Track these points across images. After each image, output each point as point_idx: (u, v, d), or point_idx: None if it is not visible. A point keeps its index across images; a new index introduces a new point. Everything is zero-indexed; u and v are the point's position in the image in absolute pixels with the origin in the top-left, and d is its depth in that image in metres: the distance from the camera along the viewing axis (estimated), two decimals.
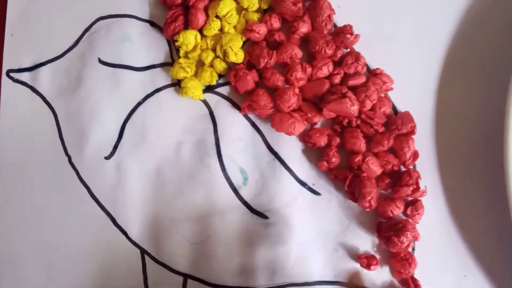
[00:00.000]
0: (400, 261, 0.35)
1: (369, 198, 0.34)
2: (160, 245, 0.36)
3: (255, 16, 0.37)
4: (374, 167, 0.35)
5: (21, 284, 0.36)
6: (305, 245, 0.36)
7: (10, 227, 0.37)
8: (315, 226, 0.36)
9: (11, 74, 0.38)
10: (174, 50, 0.38)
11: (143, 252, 0.36)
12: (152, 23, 0.38)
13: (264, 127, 0.37)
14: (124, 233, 0.36)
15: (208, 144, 0.37)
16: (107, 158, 0.37)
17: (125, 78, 0.37)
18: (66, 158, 0.37)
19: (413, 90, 0.37)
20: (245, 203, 0.36)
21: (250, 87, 0.36)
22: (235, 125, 0.37)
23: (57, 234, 0.36)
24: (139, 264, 0.36)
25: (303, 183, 0.36)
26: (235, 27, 0.37)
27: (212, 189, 0.36)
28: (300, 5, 0.36)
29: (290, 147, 0.37)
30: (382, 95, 0.37)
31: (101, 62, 0.38)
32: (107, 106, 0.37)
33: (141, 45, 0.38)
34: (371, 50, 0.37)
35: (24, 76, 0.38)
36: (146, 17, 0.38)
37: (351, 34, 0.36)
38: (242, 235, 0.36)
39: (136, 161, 0.37)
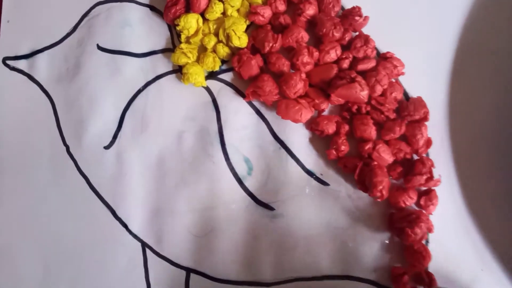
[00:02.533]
0: (413, 254, 0.33)
1: (380, 187, 0.32)
2: (161, 238, 0.35)
3: None
4: (386, 155, 0.33)
5: (20, 276, 0.35)
6: (313, 238, 0.34)
7: (7, 219, 0.36)
8: (323, 218, 0.35)
9: (8, 62, 0.37)
10: (175, 35, 0.37)
11: (144, 245, 0.35)
12: (152, 8, 0.37)
13: (269, 115, 0.36)
14: (125, 225, 0.35)
15: (211, 133, 0.35)
16: (106, 147, 0.36)
17: (125, 64, 0.36)
18: (64, 148, 0.36)
19: (425, 75, 0.36)
20: (250, 194, 0.35)
21: (255, 72, 0.35)
22: (239, 113, 0.36)
23: (55, 226, 0.35)
24: (140, 258, 0.35)
25: (310, 173, 0.35)
26: (238, 10, 0.36)
27: (215, 180, 0.35)
28: None
29: (297, 135, 0.35)
30: (393, 80, 0.35)
31: (100, 48, 0.36)
32: (106, 94, 0.36)
33: (141, 30, 0.37)
34: (381, 33, 0.35)
35: (21, 64, 0.37)
36: (146, 1, 0.37)
37: (360, 16, 0.35)
38: (247, 228, 0.35)
39: (137, 150, 0.36)
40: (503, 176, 0.34)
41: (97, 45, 0.36)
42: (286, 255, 0.34)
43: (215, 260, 0.34)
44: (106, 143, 0.36)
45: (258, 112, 0.36)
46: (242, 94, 0.36)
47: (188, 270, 0.34)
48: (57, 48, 0.37)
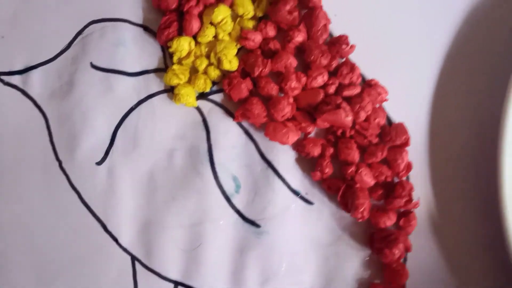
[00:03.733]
0: (391, 272, 0.35)
1: (361, 209, 0.34)
2: (151, 251, 0.36)
3: (250, 24, 0.36)
4: (368, 178, 0.35)
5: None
6: (297, 254, 0.36)
7: None
8: (307, 235, 0.36)
9: (2, 77, 0.37)
10: (167, 55, 0.37)
11: (133, 258, 0.36)
12: (146, 28, 0.38)
13: (258, 135, 0.37)
14: (115, 239, 0.36)
15: (201, 151, 0.36)
16: (98, 163, 0.36)
17: (118, 83, 0.37)
18: (57, 163, 0.36)
19: (408, 101, 0.37)
20: (237, 211, 0.36)
21: (244, 95, 0.36)
22: (228, 133, 0.37)
23: (46, 239, 0.36)
24: (130, 270, 0.36)
25: (296, 192, 0.36)
26: (229, 34, 0.37)
27: (204, 197, 0.36)
28: (295, 14, 0.36)
29: (284, 156, 0.37)
30: (377, 105, 0.37)
31: (94, 66, 0.37)
32: (99, 111, 0.37)
33: (135, 50, 0.37)
34: (366, 60, 0.37)
35: (15, 79, 0.37)
36: (140, 21, 0.38)
37: (347, 44, 0.36)
38: (234, 243, 0.36)
39: (128, 167, 0.36)
40: (478, 200, 0.36)
41: (91, 63, 0.37)
42: (271, 270, 0.35)
43: (203, 273, 0.35)
44: (98, 159, 0.36)
45: (247, 133, 0.37)
46: (232, 115, 0.37)
47: (176, 283, 0.36)
48: (51, 64, 0.37)
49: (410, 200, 0.35)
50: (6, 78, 0.37)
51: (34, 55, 0.37)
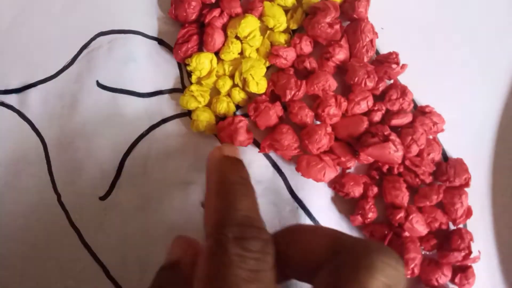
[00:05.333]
0: None
1: (412, 265, 0.29)
2: None
3: (282, 38, 0.31)
4: (419, 226, 0.29)
5: None
6: None
7: None
8: None
9: None
10: (185, 74, 0.33)
11: None
12: (160, 41, 0.33)
13: (287, 168, 0.32)
14: (119, 287, 0.31)
15: None
16: (102, 198, 0.32)
17: (127, 105, 0.32)
18: (55, 197, 0.32)
19: (467, 134, 0.32)
20: None
21: (273, 122, 0.31)
22: (252, 165, 0.32)
23: (43, 283, 0.31)
24: None
25: None
26: (257, 50, 0.32)
27: None
28: (337, 27, 0.31)
29: (317, 195, 0.32)
30: (430, 137, 0.31)
31: (100, 85, 0.32)
32: (105, 137, 0.32)
33: (147, 67, 0.33)
34: (419, 84, 0.32)
35: (10, 99, 0.33)
36: (154, 34, 0.33)
37: (397, 63, 0.30)
38: None
39: (137, 202, 0.32)
40: None
41: (97, 81, 0.32)
42: None
43: None
44: (102, 193, 0.32)
45: (274, 165, 0.32)
46: (258, 145, 0.32)
47: None
48: (51, 82, 0.33)
49: (469, 253, 0.29)
50: (1, 97, 0.33)
51: (33, 71, 0.33)
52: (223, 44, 0.31)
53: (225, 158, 0.26)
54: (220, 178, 0.25)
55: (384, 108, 0.31)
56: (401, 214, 0.29)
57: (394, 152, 0.29)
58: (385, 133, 0.29)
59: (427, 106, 0.31)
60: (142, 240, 0.31)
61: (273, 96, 0.31)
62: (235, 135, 0.30)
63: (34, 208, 0.32)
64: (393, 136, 0.29)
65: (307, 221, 0.31)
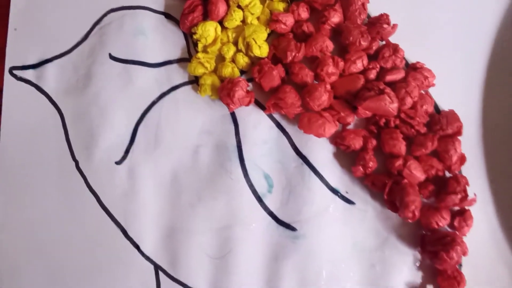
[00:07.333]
0: (447, 280, 0.31)
1: (412, 207, 0.30)
2: (176, 260, 0.33)
3: (280, 6, 0.34)
4: (417, 172, 0.31)
5: None
6: (338, 261, 0.32)
7: (12, 237, 0.33)
8: (349, 240, 0.32)
9: (15, 72, 0.35)
10: (191, 44, 0.35)
11: (157, 267, 0.33)
12: (167, 15, 0.35)
13: (291, 128, 0.34)
14: (136, 246, 0.33)
15: (229, 147, 0.33)
16: (118, 163, 0.33)
17: (138, 75, 0.34)
18: (74, 163, 0.34)
19: (457, 86, 0.34)
20: (270, 213, 0.33)
21: (276, 83, 0.33)
22: (258, 126, 0.34)
23: (62, 245, 0.33)
24: (153, 281, 0.33)
25: (335, 191, 0.33)
26: (258, 18, 0.34)
27: (233, 198, 0.33)
28: None
29: (320, 150, 0.33)
30: (423, 91, 0.33)
31: (112, 58, 0.34)
32: (119, 106, 0.34)
33: (156, 39, 0.35)
34: (409, 42, 0.34)
35: (28, 74, 0.35)
36: (161, 8, 0.36)
37: (388, 24, 0.33)
38: (267, 249, 0.32)
39: (150, 166, 0.34)
40: None
41: (109, 54, 0.35)
42: (309, 279, 0.32)
43: (233, 283, 0.32)
44: (118, 158, 0.34)
45: (279, 126, 0.34)
46: (262, 107, 0.34)
47: None
48: (66, 57, 0.35)
49: (465, 196, 0.31)
50: (19, 72, 0.35)
51: (49, 47, 0.35)
52: (226, 13, 0.33)
53: None
54: None
55: (378, 66, 0.33)
56: (400, 162, 0.31)
57: (389, 103, 0.31)
58: (381, 87, 0.31)
59: (417, 62, 0.33)
60: (154, 195, 0.33)
61: (275, 59, 0.33)
62: (233, 93, 0.31)
63: (53, 175, 0.34)
64: (388, 90, 0.31)
65: (312, 176, 0.33)
